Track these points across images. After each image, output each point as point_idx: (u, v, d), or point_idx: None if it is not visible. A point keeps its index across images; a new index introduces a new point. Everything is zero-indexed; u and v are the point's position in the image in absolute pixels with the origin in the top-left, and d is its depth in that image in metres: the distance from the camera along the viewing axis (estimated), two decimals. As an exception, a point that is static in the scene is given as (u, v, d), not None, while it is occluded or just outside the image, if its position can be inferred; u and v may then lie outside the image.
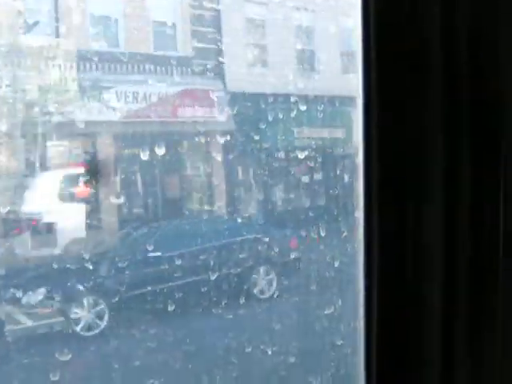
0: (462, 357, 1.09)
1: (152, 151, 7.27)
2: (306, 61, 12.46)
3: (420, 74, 1.08)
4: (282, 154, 9.83)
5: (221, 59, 10.70)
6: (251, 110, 9.74)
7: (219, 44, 10.59)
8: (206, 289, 6.29)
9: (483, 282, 1.07)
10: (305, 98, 8.44)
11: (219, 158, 9.36)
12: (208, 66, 10.46)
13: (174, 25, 10.69)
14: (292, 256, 7.60)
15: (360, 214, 1.14)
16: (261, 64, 12.23)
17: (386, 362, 1.13)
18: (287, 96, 8.68)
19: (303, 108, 7.99)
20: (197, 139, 9.43)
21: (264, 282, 7.59)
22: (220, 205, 9.80)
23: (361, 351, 1.16)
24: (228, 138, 9.07)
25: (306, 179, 10.03)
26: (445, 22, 1.05)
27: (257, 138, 9.17)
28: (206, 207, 10.11)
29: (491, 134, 1.05)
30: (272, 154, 9.81)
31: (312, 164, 9.23)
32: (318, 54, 12.58)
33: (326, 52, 12.42)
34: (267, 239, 7.82)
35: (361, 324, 1.16)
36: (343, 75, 12.08)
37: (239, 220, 9.30)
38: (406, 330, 1.12)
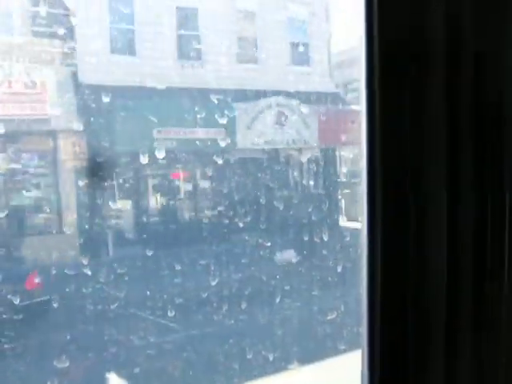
0: (465, 358, 1.10)
1: None
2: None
3: (423, 77, 1.08)
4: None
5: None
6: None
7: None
8: None
9: (486, 286, 1.08)
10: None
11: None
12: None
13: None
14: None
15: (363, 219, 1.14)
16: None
17: (389, 363, 1.13)
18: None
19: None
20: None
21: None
22: None
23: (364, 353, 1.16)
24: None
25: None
26: (449, 27, 1.05)
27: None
28: None
29: (493, 136, 1.06)
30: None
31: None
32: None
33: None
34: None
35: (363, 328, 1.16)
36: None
37: None
38: (408, 333, 1.12)
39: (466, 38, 1.05)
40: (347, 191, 13.34)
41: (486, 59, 1.06)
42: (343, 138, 12.99)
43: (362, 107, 1.14)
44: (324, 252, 9.08)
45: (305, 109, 13.41)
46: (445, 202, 1.08)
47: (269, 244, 9.23)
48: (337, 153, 14.23)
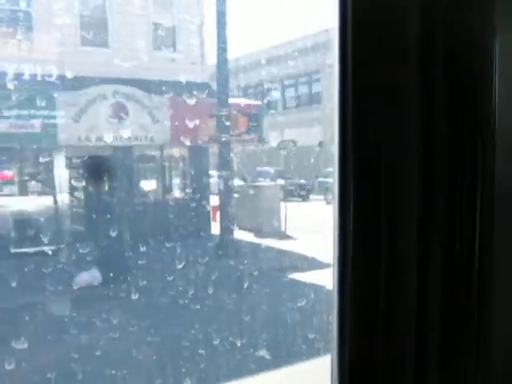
0: (435, 354, 1.12)
1: None
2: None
3: (396, 67, 1.07)
4: None
5: None
6: None
7: None
8: None
9: (457, 278, 1.10)
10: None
11: None
12: None
13: None
14: None
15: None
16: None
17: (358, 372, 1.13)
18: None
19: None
20: None
21: None
22: None
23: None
24: None
25: None
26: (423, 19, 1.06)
27: None
28: None
29: (467, 132, 1.09)
30: None
31: None
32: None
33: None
34: None
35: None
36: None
37: None
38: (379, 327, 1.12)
39: (439, 30, 1.07)
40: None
41: (460, 51, 1.07)
42: (202, 134, 12.50)
43: (334, 102, 1.11)
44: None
45: (157, 100, 12.57)
46: (417, 195, 1.08)
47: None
48: (194, 152, 13.69)
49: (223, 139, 12.08)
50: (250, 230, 13.42)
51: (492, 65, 1.06)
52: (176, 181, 14.65)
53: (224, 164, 12.33)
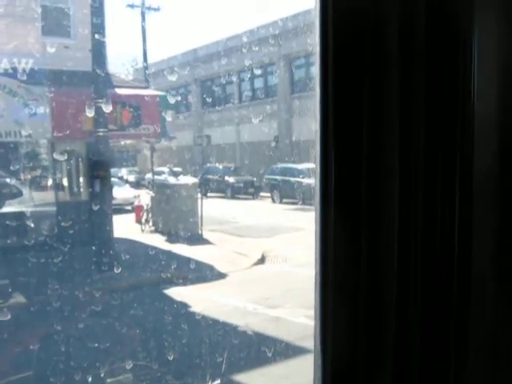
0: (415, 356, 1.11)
1: None
2: None
3: (376, 52, 1.04)
4: None
5: None
6: None
7: None
8: None
9: (437, 273, 1.09)
10: None
11: None
12: None
13: None
14: None
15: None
16: None
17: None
18: None
19: None
20: None
21: None
22: None
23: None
24: None
25: None
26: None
27: None
28: None
29: (446, 124, 1.08)
30: None
31: None
32: None
33: None
34: None
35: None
36: None
37: None
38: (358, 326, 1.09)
39: (419, 18, 1.05)
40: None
41: (440, 36, 1.06)
42: (85, 128, 11.63)
43: (316, 91, 1.05)
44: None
45: (35, 91, 11.75)
46: (398, 194, 1.06)
47: None
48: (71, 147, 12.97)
49: (101, 134, 11.40)
50: (163, 234, 12.74)
51: (471, 55, 1.05)
52: (63, 180, 13.74)
53: (103, 161, 11.67)
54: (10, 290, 7.62)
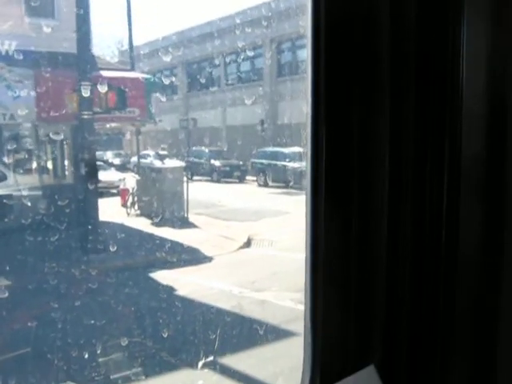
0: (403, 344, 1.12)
1: None
2: None
3: (368, 37, 1.04)
4: None
5: None
6: None
7: None
8: None
9: (425, 259, 1.10)
10: None
11: None
12: None
13: None
14: None
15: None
16: None
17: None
18: None
19: None
20: None
21: None
22: None
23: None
24: None
25: None
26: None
27: None
28: None
29: (436, 113, 1.08)
30: None
31: None
32: None
33: None
34: None
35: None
36: None
37: None
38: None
39: (410, 4, 1.04)
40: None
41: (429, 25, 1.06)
42: (69, 111, 11.47)
43: (307, 73, 1.04)
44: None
45: (19, 73, 11.54)
46: (387, 190, 1.06)
47: None
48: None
49: (86, 116, 11.25)
50: (149, 217, 12.63)
51: (460, 46, 1.05)
52: (48, 163, 13.60)
53: (88, 144, 11.53)
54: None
